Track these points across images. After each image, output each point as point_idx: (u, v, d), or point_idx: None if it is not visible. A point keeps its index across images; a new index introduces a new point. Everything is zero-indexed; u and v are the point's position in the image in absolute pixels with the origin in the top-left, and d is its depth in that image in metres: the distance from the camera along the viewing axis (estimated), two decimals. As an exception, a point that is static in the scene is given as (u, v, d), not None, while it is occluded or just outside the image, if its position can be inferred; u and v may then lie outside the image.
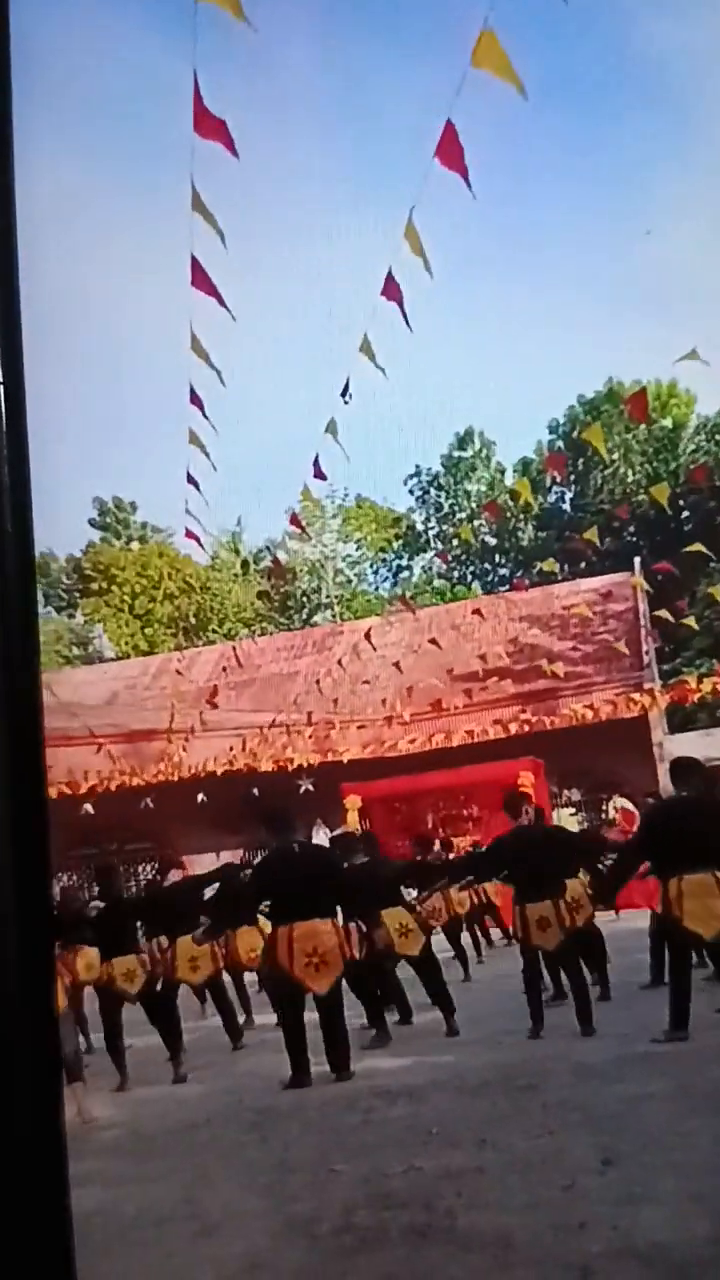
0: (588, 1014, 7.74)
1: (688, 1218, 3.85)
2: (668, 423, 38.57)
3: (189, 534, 9.95)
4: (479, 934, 13.72)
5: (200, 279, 5.88)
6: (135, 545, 45.92)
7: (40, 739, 1.17)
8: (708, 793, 7.47)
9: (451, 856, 12.70)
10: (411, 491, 46.59)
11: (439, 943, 10.83)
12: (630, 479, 37.95)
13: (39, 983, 1.15)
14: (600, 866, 9.28)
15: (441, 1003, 8.64)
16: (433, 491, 46.06)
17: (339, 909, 8.19)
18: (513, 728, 21.07)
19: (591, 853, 10.48)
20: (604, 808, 20.63)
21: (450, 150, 5.16)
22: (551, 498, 41.45)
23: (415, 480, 46.09)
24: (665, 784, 18.67)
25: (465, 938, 12.67)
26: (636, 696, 20.58)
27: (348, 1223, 4.33)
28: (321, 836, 17.64)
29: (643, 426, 33.10)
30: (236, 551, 44.45)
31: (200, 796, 20.56)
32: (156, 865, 12.02)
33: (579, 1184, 4.38)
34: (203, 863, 15.70)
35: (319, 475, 8.29)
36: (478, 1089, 6.39)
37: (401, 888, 9.60)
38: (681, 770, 7.49)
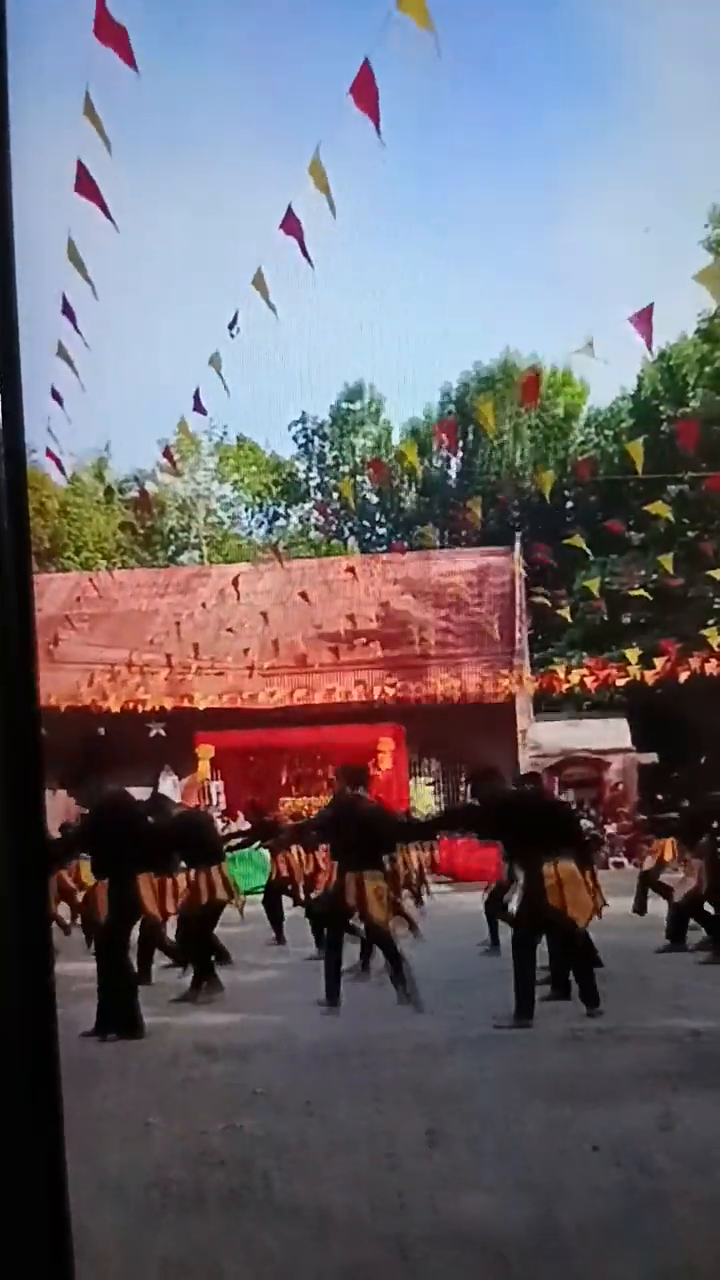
0: (412, 986, 7.70)
1: (510, 1204, 3.82)
2: (560, 410, 38.98)
3: (49, 454, 9.41)
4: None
5: (85, 186, 5.56)
6: None
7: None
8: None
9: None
10: (295, 439, 45.77)
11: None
12: (519, 460, 38.24)
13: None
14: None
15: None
16: (317, 441, 45.38)
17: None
18: (376, 692, 21.01)
19: (406, 837, 10.69)
20: (462, 783, 20.85)
21: (365, 91, 4.98)
22: (437, 463, 41.36)
23: (300, 427, 45.30)
24: (525, 766, 19.04)
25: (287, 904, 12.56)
26: (505, 676, 20.74)
27: (161, 1179, 4.18)
28: (169, 784, 17.37)
29: (534, 410, 33.41)
30: (101, 478, 42.62)
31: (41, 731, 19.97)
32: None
33: (403, 1162, 4.32)
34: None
35: (198, 409, 7.95)
36: (307, 1054, 6.30)
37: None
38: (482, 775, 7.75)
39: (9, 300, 1.15)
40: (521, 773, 10.57)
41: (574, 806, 12.42)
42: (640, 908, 11.47)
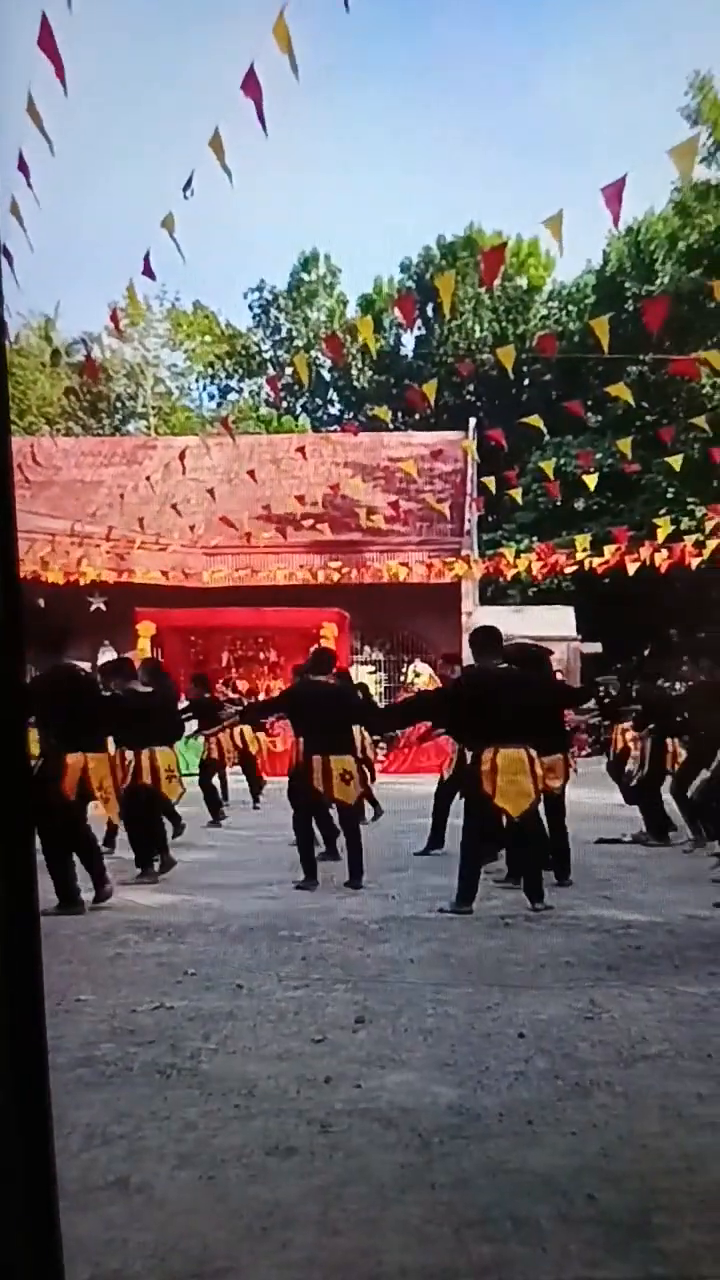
0: (361, 869, 7.85)
1: (433, 1084, 3.87)
2: (522, 282, 38.03)
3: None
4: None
5: (46, 40, 5.26)
6: None
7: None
8: (523, 667, 7.39)
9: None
10: (251, 308, 44.49)
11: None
12: (477, 334, 37.42)
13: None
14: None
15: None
16: (273, 312, 44.17)
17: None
18: (321, 575, 20.84)
19: (375, 724, 10.71)
20: (404, 670, 20.91)
21: None
22: (393, 340, 40.42)
23: (257, 295, 43.97)
24: (469, 653, 19.02)
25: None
26: (452, 562, 20.62)
27: (89, 1055, 4.22)
28: (108, 659, 17.16)
29: (497, 282, 32.54)
30: (48, 339, 41.13)
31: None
32: None
33: (330, 1039, 4.37)
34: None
35: (148, 273, 7.62)
36: (239, 934, 6.34)
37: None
38: (480, 640, 7.21)
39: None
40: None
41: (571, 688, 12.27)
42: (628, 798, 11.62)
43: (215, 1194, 3.04)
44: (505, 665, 7.11)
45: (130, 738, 8.38)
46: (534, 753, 6.90)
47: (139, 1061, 4.15)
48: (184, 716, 11.74)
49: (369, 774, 10.65)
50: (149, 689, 8.81)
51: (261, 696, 16.01)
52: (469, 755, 7.15)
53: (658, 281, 28.41)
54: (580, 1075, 3.92)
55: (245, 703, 13.40)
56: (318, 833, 8.54)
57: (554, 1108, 3.62)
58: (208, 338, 42.10)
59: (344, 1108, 3.65)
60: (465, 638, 20.57)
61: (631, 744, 10.86)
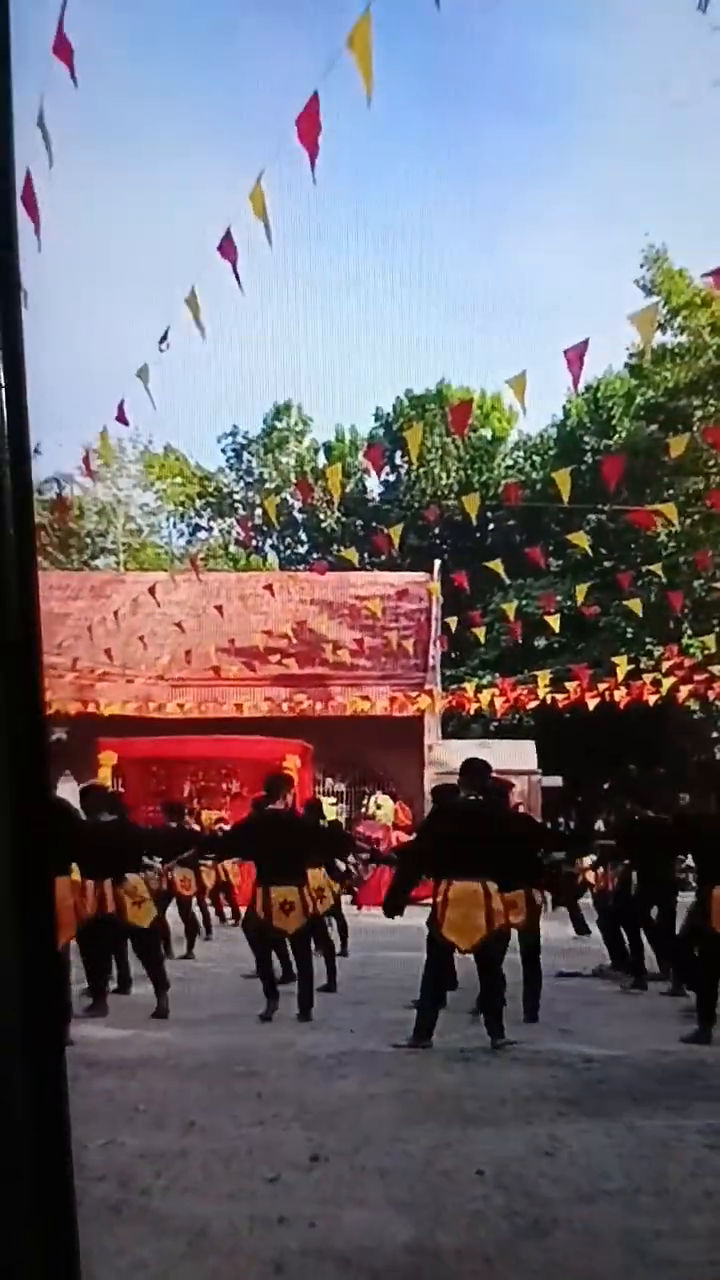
0: (309, 1001, 7.76)
1: (390, 1223, 3.79)
2: (487, 433, 39.34)
3: None
4: (210, 912, 13.47)
5: (28, 195, 5.60)
6: None
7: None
8: (493, 800, 7.50)
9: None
10: (224, 451, 45.69)
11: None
12: (444, 481, 38.51)
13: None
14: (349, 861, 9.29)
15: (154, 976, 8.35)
16: (245, 456, 45.38)
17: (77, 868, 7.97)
18: (285, 707, 20.93)
19: (339, 846, 10.64)
20: (365, 802, 20.84)
21: (308, 125, 5.17)
22: (362, 486, 41.50)
23: (230, 440, 45.25)
24: (430, 785, 19.10)
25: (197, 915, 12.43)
26: (416, 696, 20.83)
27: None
28: (69, 790, 16.98)
29: (464, 432, 33.72)
30: (21, 477, 41.97)
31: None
32: None
33: (284, 1178, 4.27)
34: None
35: (121, 419, 7.97)
36: (193, 1070, 6.20)
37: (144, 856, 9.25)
38: (472, 772, 7.31)
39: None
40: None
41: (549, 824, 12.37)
42: (581, 928, 11.50)
43: None
44: (475, 798, 7.19)
45: (96, 866, 8.23)
46: (492, 887, 6.87)
47: (88, 1198, 4.03)
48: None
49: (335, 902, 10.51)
50: (113, 817, 8.75)
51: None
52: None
53: (615, 436, 29.55)
54: (540, 1213, 3.84)
55: (206, 834, 13.28)
56: (278, 964, 8.42)
57: (513, 1246, 3.55)
58: (178, 479, 43.07)
59: (298, 1247, 3.56)
60: (428, 770, 20.72)
61: (591, 878, 10.86)
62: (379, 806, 19.61)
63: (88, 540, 41.47)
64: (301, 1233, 3.69)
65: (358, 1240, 3.61)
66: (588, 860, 11.09)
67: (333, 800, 21.04)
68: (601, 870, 11.12)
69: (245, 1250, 3.53)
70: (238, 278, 6.21)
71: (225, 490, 45.38)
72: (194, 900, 12.26)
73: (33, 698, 1.11)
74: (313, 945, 8.40)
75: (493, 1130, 4.90)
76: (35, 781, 1.09)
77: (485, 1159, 4.44)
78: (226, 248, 6.15)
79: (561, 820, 12.20)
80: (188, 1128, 4.98)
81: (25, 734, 1.09)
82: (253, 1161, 4.47)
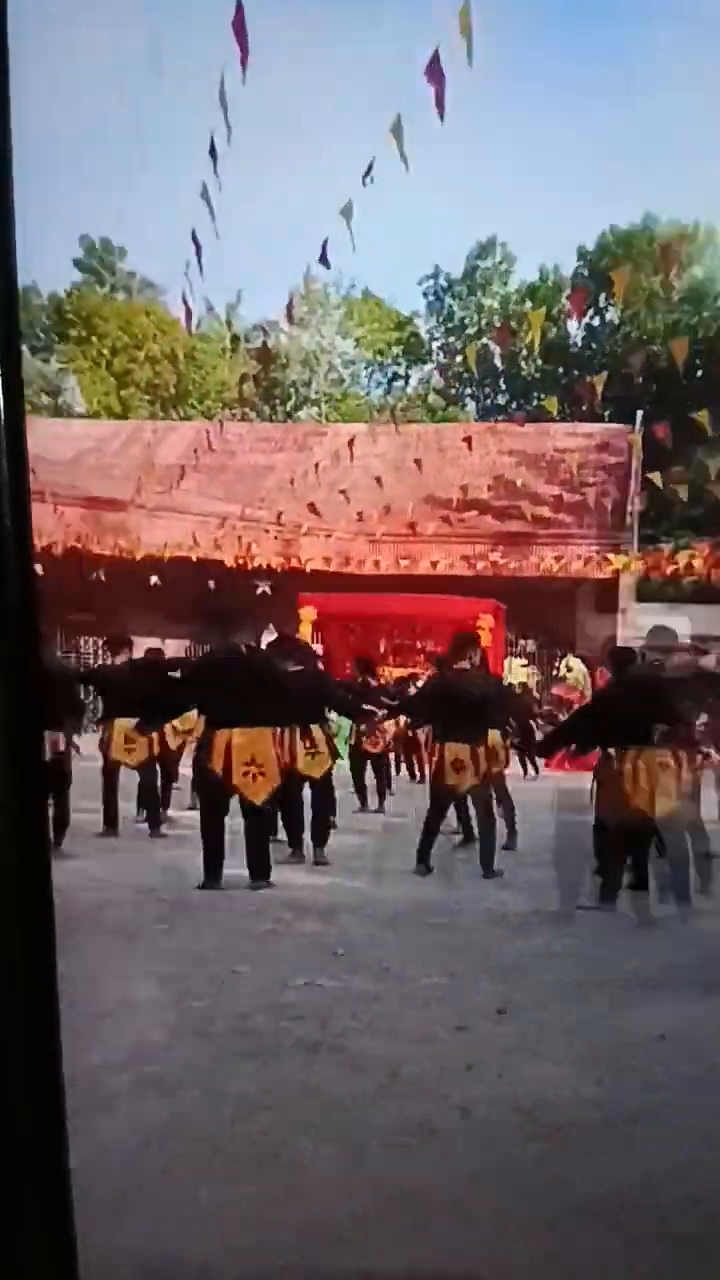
0: (491, 859, 7.97)
1: (572, 1078, 3.93)
2: (699, 272, 36.89)
3: (185, 304, 9.38)
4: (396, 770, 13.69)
5: (239, 23, 5.37)
6: (120, 296, 42.84)
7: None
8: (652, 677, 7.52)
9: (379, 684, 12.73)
10: (425, 294, 44.42)
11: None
12: (650, 325, 36.55)
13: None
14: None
15: (317, 830, 8.57)
16: (447, 299, 44.06)
17: (284, 717, 8.11)
18: (480, 565, 20.82)
19: (517, 712, 10.61)
20: (556, 664, 20.70)
21: None
22: (560, 328, 39.74)
23: (432, 282, 43.92)
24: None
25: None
26: (612, 557, 20.33)
27: (243, 1026, 4.41)
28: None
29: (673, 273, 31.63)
30: (229, 325, 42.21)
31: (153, 579, 20.08)
32: (105, 641, 11.79)
33: (472, 1027, 4.46)
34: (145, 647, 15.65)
35: (324, 261, 7.75)
36: (386, 919, 6.50)
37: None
38: (619, 658, 7.64)
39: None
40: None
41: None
42: None
43: (358, 1172, 3.13)
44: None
45: (278, 716, 8.22)
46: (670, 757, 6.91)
47: (289, 1035, 4.33)
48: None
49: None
50: (299, 667, 8.78)
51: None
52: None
53: None
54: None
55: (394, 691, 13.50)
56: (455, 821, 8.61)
57: (691, 1111, 3.63)
58: (376, 325, 42.41)
59: (484, 1094, 3.72)
60: (621, 634, 20.36)
61: None
62: (569, 669, 19.47)
63: (291, 390, 41.63)
64: (489, 1082, 3.87)
65: (541, 1093, 3.75)
66: None
67: (524, 661, 21.04)
68: None
69: (434, 1095, 3.72)
70: (440, 105, 5.86)
71: (423, 336, 44.44)
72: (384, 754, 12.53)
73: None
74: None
75: (672, 996, 4.98)
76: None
77: (666, 1024, 4.53)
78: (433, 73, 5.81)
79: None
80: (382, 973, 5.26)
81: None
82: (442, 1010, 4.69)
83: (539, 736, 12.32)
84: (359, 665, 12.54)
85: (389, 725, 11.94)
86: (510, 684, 14.02)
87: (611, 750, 7.13)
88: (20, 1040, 1.02)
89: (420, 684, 12.80)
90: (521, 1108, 3.63)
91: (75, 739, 9.00)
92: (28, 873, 1.02)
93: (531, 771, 14.78)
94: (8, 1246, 1.00)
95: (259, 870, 7.28)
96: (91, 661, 19.15)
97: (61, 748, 8.41)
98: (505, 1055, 4.14)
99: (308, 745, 8.56)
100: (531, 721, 12.40)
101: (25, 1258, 1.00)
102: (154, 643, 13.11)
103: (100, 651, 17.11)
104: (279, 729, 8.16)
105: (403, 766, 14.34)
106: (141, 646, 11.28)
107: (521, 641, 22.03)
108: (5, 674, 0.99)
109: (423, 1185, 3.05)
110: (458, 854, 8.68)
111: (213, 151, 6.40)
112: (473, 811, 8.69)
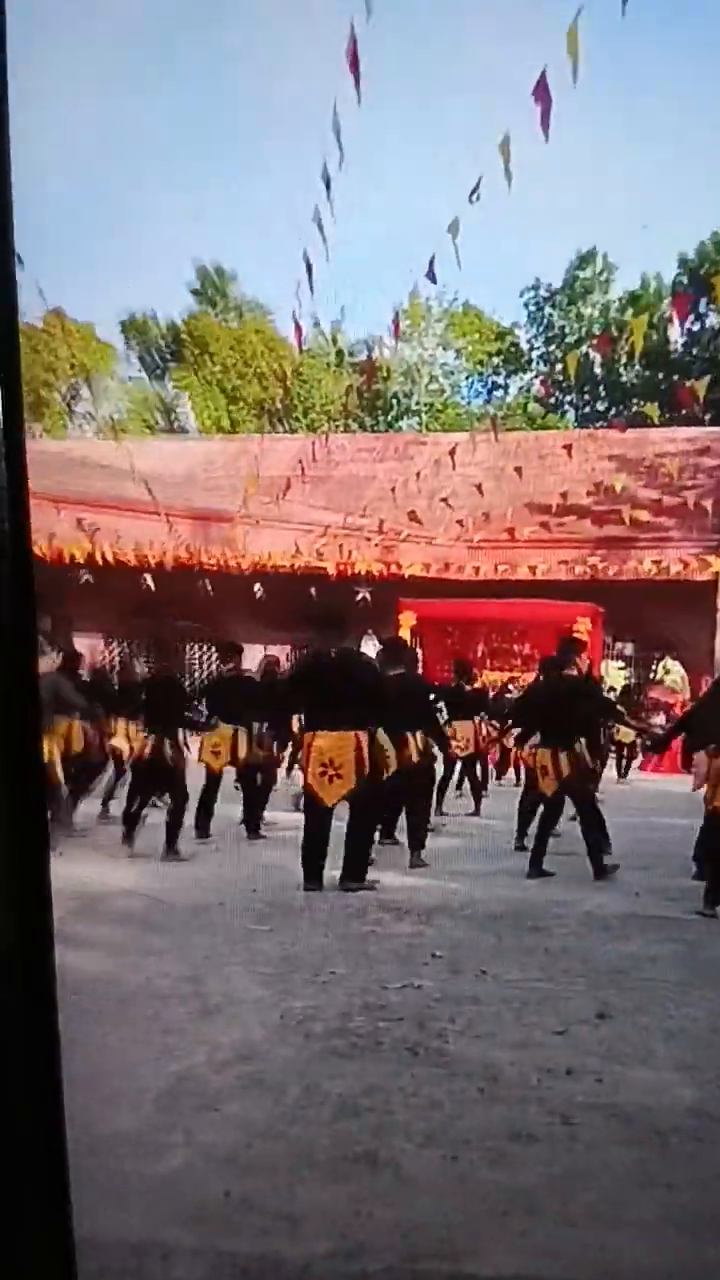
0: (600, 859, 7.94)
1: (674, 1085, 3.87)
2: None
3: (296, 322, 9.64)
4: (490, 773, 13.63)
5: (352, 54, 5.58)
6: (232, 318, 44.50)
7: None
8: None
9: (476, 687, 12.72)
10: (526, 305, 44.39)
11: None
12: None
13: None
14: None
15: (418, 835, 8.59)
16: (547, 309, 43.89)
17: (369, 721, 7.94)
18: (579, 570, 20.69)
19: (616, 717, 10.85)
20: (654, 667, 20.44)
21: None
22: (665, 337, 39.18)
23: (532, 294, 43.85)
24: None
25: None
26: (711, 559, 20.01)
27: (343, 1027, 4.44)
28: (370, 648, 17.63)
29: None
30: (334, 341, 43.07)
31: (258, 588, 20.45)
32: (216, 648, 12.21)
33: (572, 1031, 4.43)
34: (250, 654, 15.87)
35: (431, 276, 7.86)
36: (484, 921, 6.49)
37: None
38: None
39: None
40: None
41: None
42: None
43: (457, 1175, 3.12)
44: None
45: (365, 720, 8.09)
46: None
47: (389, 1036, 4.34)
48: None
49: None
50: (399, 671, 8.80)
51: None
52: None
53: None
54: None
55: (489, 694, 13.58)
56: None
57: None
58: (477, 335, 42.60)
59: (585, 1100, 3.68)
60: (719, 637, 19.99)
61: None
62: (667, 671, 19.23)
63: (393, 401, 42.04)
64: (588, 1086, 3.83)
65: (642, 1099, 3.71)
66: None
67: (620, 664, 20.82)
68: None
69: (534, 1099, 3.69)
70: (546, 123, 5.94)
71: (523, 346, 44.43)
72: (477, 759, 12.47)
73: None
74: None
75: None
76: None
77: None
78: (540, 90, 5.90)
79: None
80: (480, 976, 5.25)
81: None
82: (541, 1013, 4.66)
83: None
84: (457, 668, 12.59)
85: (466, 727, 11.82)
86: (607, 688, 13.91)
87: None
88: (20, 1040, 1.03)
89: (521, 690, 12.81)
90: (621, 1113, 3.60)
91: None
92: (28, 873, 1.03)
93: (627, 774, 14.76)
94: (8, 1246, 1.02)
95: (354, 873, 7.32)
96: (198, 669, 19.61)
97: (169, 752, 8.61)
98: (605, 1061, 4.10)
99: (418, 748, 8.64)
100: (627, 724, 12.30)
101: (25, 1257, 1.02)
102: (257, 648, 13.36)
103: (209, 659, 17.52)
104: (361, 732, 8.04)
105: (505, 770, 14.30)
106: (247, 653, 11.44)
107: (618, 644, 21.80)
108: (5, 674, 1.00)
109: (521, 1190, 3.03)
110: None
111: (324, 177, 6.58)
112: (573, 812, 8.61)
